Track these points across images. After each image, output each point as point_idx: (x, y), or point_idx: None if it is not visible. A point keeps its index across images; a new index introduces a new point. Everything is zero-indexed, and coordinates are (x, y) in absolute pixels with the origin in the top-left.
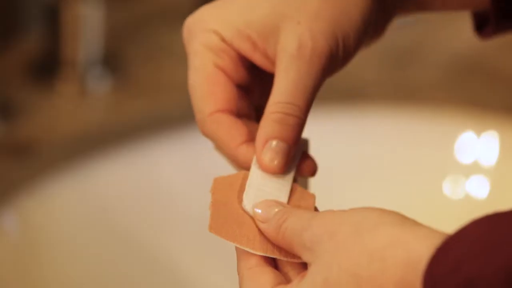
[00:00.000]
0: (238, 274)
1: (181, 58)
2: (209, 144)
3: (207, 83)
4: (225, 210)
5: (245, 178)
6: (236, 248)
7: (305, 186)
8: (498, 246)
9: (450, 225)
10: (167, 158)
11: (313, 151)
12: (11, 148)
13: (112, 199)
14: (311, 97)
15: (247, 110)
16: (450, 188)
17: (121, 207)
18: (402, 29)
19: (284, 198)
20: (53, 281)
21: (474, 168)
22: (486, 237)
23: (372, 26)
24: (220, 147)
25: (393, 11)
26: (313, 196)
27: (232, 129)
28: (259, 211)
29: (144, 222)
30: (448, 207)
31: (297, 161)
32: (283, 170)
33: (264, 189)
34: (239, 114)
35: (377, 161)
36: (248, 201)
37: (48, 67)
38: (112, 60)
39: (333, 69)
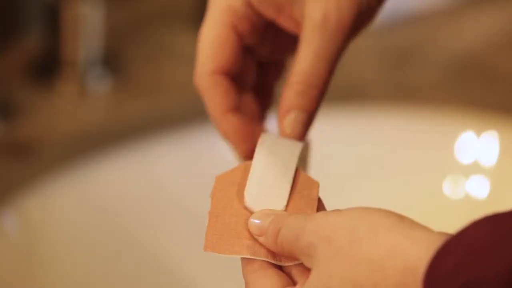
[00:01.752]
0: (244, 279)
1: (181, 58)
2: (208, 144)
3: (218, 41)
4: (223, 219)
5: (246, 171)
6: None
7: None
8: (498, 248)
9: (450, 225)
10: (167, 158)
11: (313, 150)
12: (11, 148)
13: (112, 199)
14: (333, 66)
15: (249, 76)
16: (450, 188)
17: (121, 207)
18: (402, 29)
19: (286, 190)
20: (53, 281)
21: (474, 168)
22: (485, 239)
23: None
24: (208, 109)
25: None
26: (317, 184)
27: (224, 95)
28: (252, 223)
29: (144, 222)
30: (448, 207)
31: (300, 152)
32: (303, 138)
33: (266, 182)
34: (239, 78)
35: (377, 161)
36: (250, 198)
37: (48, 67)
38: (112, 60)
39: (357, 32)
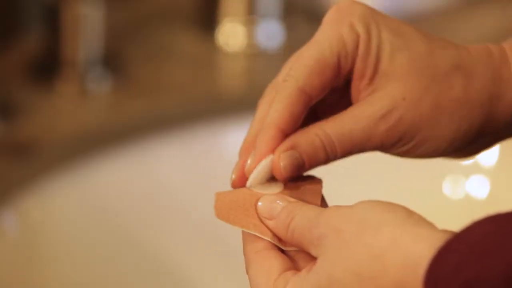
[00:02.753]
0: (245, 258)
1: (181, 58)
2: (208, 144)
3: (319, 64)
4: (231, 196)
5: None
6: (243, 232)
7: None
8: (500, 247)
9: (450, 225)
10: (167, 158)
11: None
12: (11, 148)
13: (112, 199)
14: (351, 152)
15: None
16: (450, 188)
17: (121, 207)
18: None
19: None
20: (53, 281)
21: (474, 168)
22: (488, 238)
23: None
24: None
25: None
26: (319, 181)
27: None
28: (262, 205)
29: (144, 222)
30: (448, 207)
31: None
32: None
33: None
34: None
35: (377, 161)
36: (252, 179)
37: (48, 67)
38: (112, 60)
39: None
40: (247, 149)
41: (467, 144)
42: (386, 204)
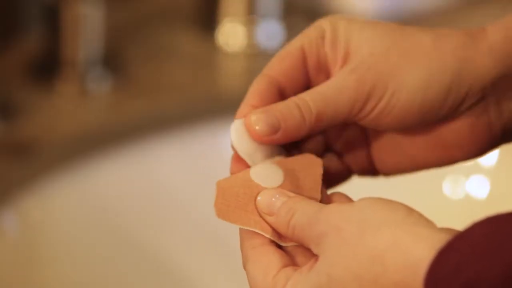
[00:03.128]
0: (242, 254)
1: (181, 58)
2: (208, 144)
3: (282, 54)
4: (231, 188)
5: (248, 177)
6: (240, 228)
7: None
8: (500, 248)
9: (450, 225)
10: (167, 158)
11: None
12: (11, 148)
13: (112, 199)
14: (326, 113)
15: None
16: (450, 188)
17: (121, 207)
18: None
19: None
20: (53, 281)
21: (474, 168)
22: (488, 238)
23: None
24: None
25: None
26: (320, 163)
27: (263, 98)
28: (262, 201)
29: (144, 222)
30: (448, 207)
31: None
32: (260, 138)
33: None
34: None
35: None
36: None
37: (48, 67)
38: (112, 60)
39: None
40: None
41: (441, 108)
42: (386, 202)
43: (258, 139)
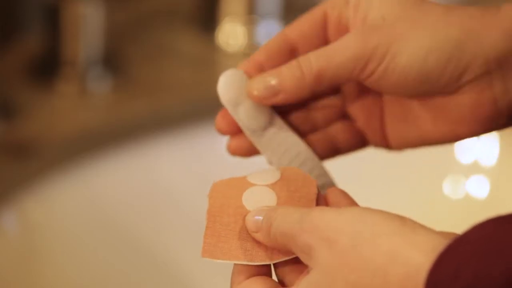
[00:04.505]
0: None
1: (181, 58)
2: (208, 144)
3: (304, 17)
4: (221, 219)
5: (244, 180)
6: (234, 264)
7: None
8: (500, 250)
9: (450, 225)
10: (167, 158)
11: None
12: (11, 148)
13: (112, 199)
14: (327, 69)
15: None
16: (450, 188)
17: (120, 206)
18: None
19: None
20: (53, 281)
21: (474, 168)
22: (487, 241)
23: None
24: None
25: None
26: (314, 183)
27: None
28: (249, 221)
29: (144, 222)
30: (448, 207)
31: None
32: (260, 100)
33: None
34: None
35: (377, 161)
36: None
37: (48, 67)
38: (112, 60)
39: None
40: None
41: (440, 77)
42: (378, 212)
43: (260, 102)
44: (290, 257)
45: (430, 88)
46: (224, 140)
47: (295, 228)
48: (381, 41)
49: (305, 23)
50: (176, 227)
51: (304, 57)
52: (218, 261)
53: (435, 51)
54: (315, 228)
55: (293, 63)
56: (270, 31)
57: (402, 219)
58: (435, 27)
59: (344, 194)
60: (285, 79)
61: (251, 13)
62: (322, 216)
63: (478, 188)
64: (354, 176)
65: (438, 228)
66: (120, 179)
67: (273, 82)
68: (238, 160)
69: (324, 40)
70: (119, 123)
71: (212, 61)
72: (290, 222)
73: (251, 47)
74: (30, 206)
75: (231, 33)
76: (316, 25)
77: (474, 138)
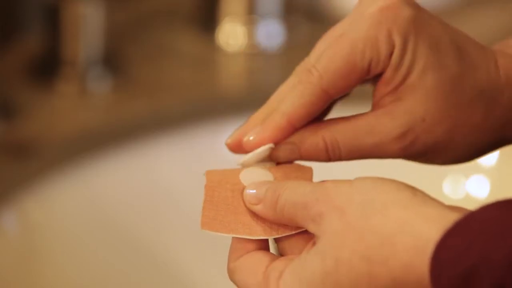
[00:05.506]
0: (228, 270)
1: (181, 58)
2: (208, 144)
3: (348, 67)
4: (219, 193)
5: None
6: (232, 241)
7: None
8: (506, 232)
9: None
10: (167, 158)
11: None
12: (11, 148)
13: (112, 199)
14: (355, 158)
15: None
16: (450, 188)
17: (121, 206)
18: None
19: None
20: (53, 281)
21: (474, 168)
22: (494, 222)
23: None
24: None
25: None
26: (310, 170)
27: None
28: (248, 193)
29: (144, 222)
30: None
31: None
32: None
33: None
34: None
35: (377, 161)
36: (247, 158)
37: (48, 67)
38: (112, 60)
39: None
40: (254, 122)
41: (478, 156)
42: (389, 182)
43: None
44: (292, 232)
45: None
46: (224, 140)
47: (308, 196)
48: (419, 148)
49: (345, 79)
50: (176, 227)
51: (333, 141)
52: (218, 233)
53: (474, 151)
54: (328, 197)
55: (321, 145)
56: (270, 31)
57: (413, 190)
58: (474, 135)
59: None
60: (310, 157)
61: (251, 13)
62: (335, 187)
63: (478, 188)
64: (354, 176)
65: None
66: (120, 179)
67: (298, 156)
68: (238, 160)
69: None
70: (119, 123)
71: (212, 61)
72: (302, 192)
73: (251, 47)
74: (30, 206)
75: (231, 33)
76: (355, 78)
77: None
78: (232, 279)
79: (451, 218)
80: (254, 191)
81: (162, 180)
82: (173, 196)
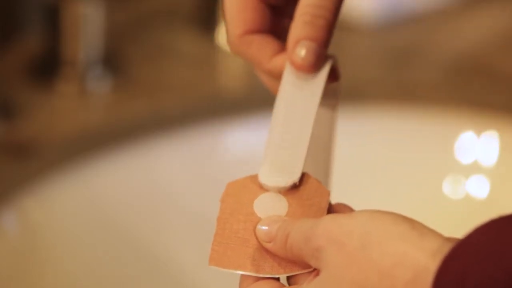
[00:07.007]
0: None
1: (181, 58)
2: (208, 144)
3: (238, 4)
4: (231, 225)
5: (256, 180)
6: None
7: (326, 174)
8: (505, 251)
9: (450, 225)
10: (167, 158)
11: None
12: (11, 148)
13: (112, 199)
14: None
15: (279, 30)
16: (450, 188)
17: (121, 207)
18: (402, 29)
19: (299, 168)
20: (53, 281)
21: (474, 168)
22: (492, 242)
23: None
24: (254, 66)
25: None
26: (327, 193)
27: (262, 45)
28: (260, 230)
29: (144, 222)
30: (448, 207)
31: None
32: (314, 68)
33: (280, 156)
34: (270, 33)
35: (377, 161)
36: (263, 176)
37: (48, 67)
38: (112, 60)
39: None
40: None
41: None
42: (387, 215)
43: (302, 67)
44: (300, 271)
45: None
46: (225, 140)
47: (307, 232)
48: None
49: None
50: (176, 227)
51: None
52: (225, 270)
53: None
54: (326, 231)
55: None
56: None
57: (411, 222)
58: None
59: (350, 209)
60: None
61: None
62: (333, 221)
63: (478, 188)
64: (354, 176)
65: (437, 228)
66: (120, 179)
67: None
68: (239, 160)
69: None
70: (119, 123)
71: (212, 61)
72: (305, 228)
73: None
74: (30, 206)
75: None
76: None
77: (474, 138)
78: None
79: (447, 246)
80: (267, 228)
81: (162, 180)
82: (173, 196)
